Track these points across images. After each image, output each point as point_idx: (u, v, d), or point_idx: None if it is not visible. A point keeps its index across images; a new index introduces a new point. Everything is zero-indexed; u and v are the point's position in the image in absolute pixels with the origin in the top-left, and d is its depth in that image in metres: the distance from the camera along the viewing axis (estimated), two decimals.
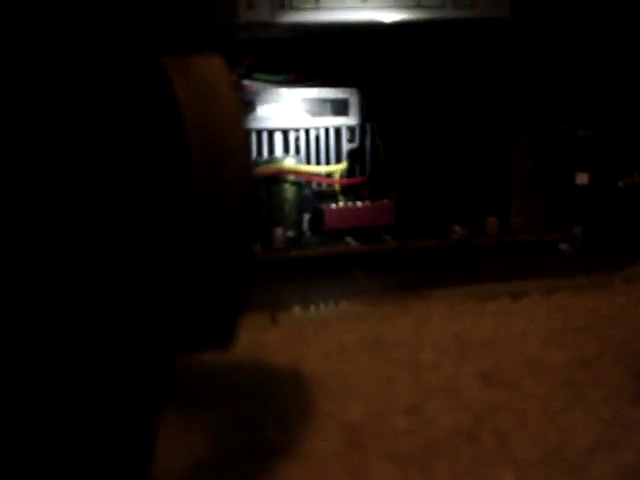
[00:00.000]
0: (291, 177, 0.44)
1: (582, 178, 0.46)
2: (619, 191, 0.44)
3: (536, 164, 0.45)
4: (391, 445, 0.23)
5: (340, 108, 0.45)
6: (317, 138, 0.45)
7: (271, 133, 0.44)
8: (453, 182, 0.46)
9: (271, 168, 0.44)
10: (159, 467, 0.19)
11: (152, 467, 0.19)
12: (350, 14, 0.39)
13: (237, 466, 0.22)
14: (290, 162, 0.44)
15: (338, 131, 0.45)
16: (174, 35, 0.20)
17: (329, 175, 0.45)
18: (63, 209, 0.18)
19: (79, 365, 0.18)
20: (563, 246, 0.46)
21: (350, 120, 0.45)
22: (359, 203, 0.45)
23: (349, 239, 0.44)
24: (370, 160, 0.46)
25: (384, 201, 0.45)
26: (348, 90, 0.45)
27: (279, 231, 0.42)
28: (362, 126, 0.46)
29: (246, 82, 0.43)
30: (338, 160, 0.45)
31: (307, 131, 0.45)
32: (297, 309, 0.36)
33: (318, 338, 0.31)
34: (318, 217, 0.44)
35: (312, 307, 0.37)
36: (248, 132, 0.43)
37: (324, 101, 0.45)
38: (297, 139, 0.45)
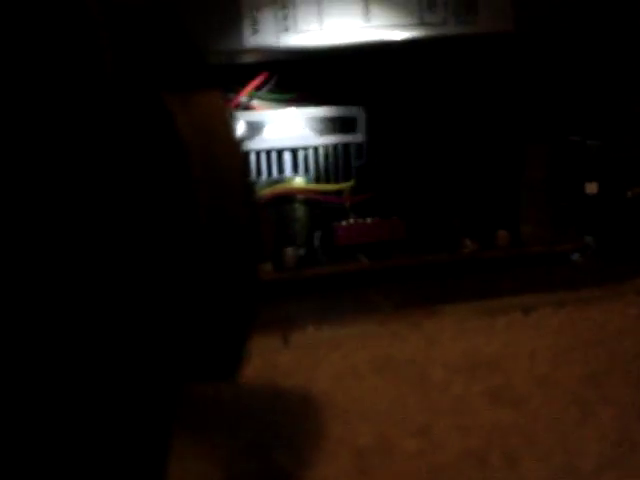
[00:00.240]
0: (301, 196, 0.45)
1: (592, 188, 0.46)
2: (627, 201, 0.44)
3: (546, 175, 0.46)
4: (400, 468, 0.23)
5: (347, 125, 0.45)
6: (326, 156, 0.45)
7: (280, 153, 0.45)
8: (462, 196, 0.46)
9: (281, 188, 0.44)
10: None
11: None
12: (354, 35, 0.40)
13: None
14: (299, 181, 0.45)
15: (346, 148, 0.46)
16: (179, 67, 0.21)
17: (339, 192, 0.46)
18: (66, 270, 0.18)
19: (83, 392, 0.18)
20: (575, 256, 0.46)
21: (357, 137, 0.45)
22: (369, 219, 0.45)
23: (361, 256, 0.44)
24: (379, 176, 0.46)
25: (393, 217, 0.45)
26: (355, 108, 0.45)
27: (290, 251, 0.43)
28: (370, 143, 0.46)
29: (254, 103, 0.44)
30: (347, 177, 0.46)
31: (316, 149, 0.45)
32: (309, 329, 0.37)
33: (329, 359, 0.32)
34: (330, 234, 0.45)
35: (324, 327, 0.37)
36: (257, 153, 0.44)
37: (331, 119, 0.45)
38: (306, 158, 0.45)
